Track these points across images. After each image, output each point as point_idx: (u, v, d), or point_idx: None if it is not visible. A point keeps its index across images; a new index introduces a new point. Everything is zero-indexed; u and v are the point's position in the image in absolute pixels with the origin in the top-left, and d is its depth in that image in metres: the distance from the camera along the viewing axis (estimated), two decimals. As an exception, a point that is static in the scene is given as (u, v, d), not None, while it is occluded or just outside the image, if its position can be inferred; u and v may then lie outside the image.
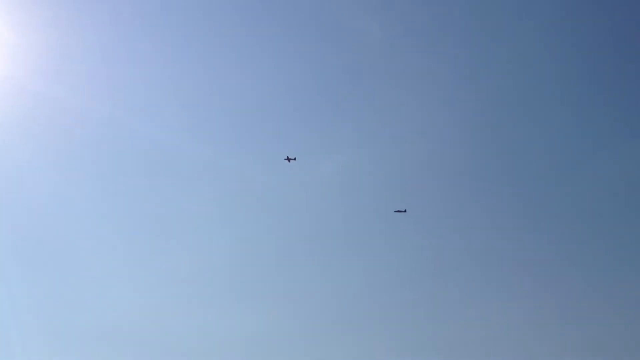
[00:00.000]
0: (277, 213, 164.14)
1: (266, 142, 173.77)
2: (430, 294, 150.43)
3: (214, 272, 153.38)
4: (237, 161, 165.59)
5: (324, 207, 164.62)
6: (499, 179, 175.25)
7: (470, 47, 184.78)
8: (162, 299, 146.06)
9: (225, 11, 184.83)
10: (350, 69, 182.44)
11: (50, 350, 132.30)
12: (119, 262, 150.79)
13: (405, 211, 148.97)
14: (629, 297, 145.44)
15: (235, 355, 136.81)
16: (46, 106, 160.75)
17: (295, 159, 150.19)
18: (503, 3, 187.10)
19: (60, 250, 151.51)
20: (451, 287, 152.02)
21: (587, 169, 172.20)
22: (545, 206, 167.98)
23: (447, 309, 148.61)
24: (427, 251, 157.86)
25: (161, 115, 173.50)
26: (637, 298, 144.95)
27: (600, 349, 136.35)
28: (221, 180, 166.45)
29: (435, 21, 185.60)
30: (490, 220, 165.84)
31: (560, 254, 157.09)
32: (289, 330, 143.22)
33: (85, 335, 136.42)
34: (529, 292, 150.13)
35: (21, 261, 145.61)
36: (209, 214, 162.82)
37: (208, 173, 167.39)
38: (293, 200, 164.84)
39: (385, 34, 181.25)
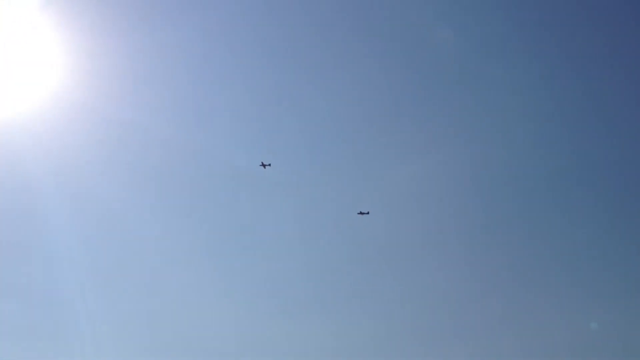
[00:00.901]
0: (353, 221, 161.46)
1: (340, 150, 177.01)
2: (522, 302, 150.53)
3: (292, 280, 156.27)
4: (314, 171, 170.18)
5: (401, 213, 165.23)
6: (586, 181, 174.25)
7: (545, 55, 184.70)
8: (240, 307, 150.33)
9: (296, 22, 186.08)
10: (423, 75, 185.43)
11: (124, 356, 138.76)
12: (196, 270, 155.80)
13: (368, 213, 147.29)
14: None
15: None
16: (119, 130, 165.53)
17: (270, 164, 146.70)
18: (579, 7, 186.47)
19: (138, 262, 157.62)
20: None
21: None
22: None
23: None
24: (516, 258, 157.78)
25: (237, 136, 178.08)
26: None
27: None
28: (297, 191, 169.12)
29: (511, 28, 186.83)
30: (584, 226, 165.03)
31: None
32: (371, 340, 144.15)
33: (162, 342, 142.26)
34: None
35: (100, 275, 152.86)
36: (286, 224, 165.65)
37: (282, 184, 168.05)
38: (370, 207, 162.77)
39: (459, 40, 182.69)
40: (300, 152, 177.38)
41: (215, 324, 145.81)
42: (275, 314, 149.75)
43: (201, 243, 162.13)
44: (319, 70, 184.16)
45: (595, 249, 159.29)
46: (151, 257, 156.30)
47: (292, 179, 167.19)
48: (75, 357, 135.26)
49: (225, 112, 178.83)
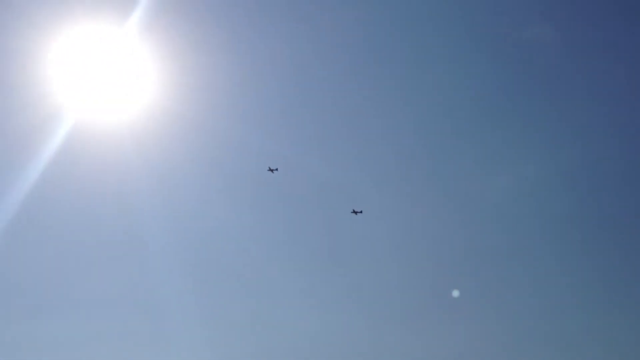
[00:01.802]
0: (444, 230, 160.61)
1: (436, 156, 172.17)
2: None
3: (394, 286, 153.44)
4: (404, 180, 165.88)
5: (496, 223, 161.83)
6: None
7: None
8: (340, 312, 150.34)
9: (389, 29, 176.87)
10: (523, 75, 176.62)
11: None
12: (292, 275, 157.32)
13: (361, 212, 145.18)
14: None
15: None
16: (192, 132, 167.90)
17: (277, 169, 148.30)
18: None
19: (234, 267, 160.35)
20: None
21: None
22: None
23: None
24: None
25: (325, 149, 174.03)
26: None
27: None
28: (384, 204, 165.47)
29: (615, 21, 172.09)
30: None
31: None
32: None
33: (257, 346, 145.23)
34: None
35: (196, 281, 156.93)
36: (372, 237, 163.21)
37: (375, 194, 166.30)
38: (462, 218, 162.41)
39: (561, 38, 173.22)
40: (389, 161, 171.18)
41: (311, 328, 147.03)
42: (374, 321, 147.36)
43: (297, 248, 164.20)
44: (412, 80, 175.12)
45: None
46: (247, 262, 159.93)
47: (388, 190, 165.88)
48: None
49: (320, 125, 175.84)
